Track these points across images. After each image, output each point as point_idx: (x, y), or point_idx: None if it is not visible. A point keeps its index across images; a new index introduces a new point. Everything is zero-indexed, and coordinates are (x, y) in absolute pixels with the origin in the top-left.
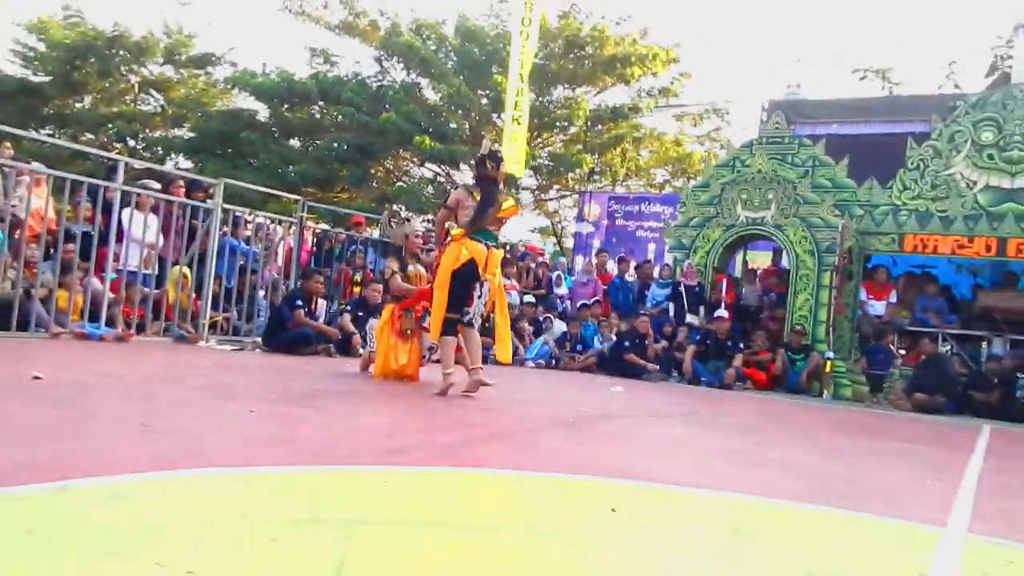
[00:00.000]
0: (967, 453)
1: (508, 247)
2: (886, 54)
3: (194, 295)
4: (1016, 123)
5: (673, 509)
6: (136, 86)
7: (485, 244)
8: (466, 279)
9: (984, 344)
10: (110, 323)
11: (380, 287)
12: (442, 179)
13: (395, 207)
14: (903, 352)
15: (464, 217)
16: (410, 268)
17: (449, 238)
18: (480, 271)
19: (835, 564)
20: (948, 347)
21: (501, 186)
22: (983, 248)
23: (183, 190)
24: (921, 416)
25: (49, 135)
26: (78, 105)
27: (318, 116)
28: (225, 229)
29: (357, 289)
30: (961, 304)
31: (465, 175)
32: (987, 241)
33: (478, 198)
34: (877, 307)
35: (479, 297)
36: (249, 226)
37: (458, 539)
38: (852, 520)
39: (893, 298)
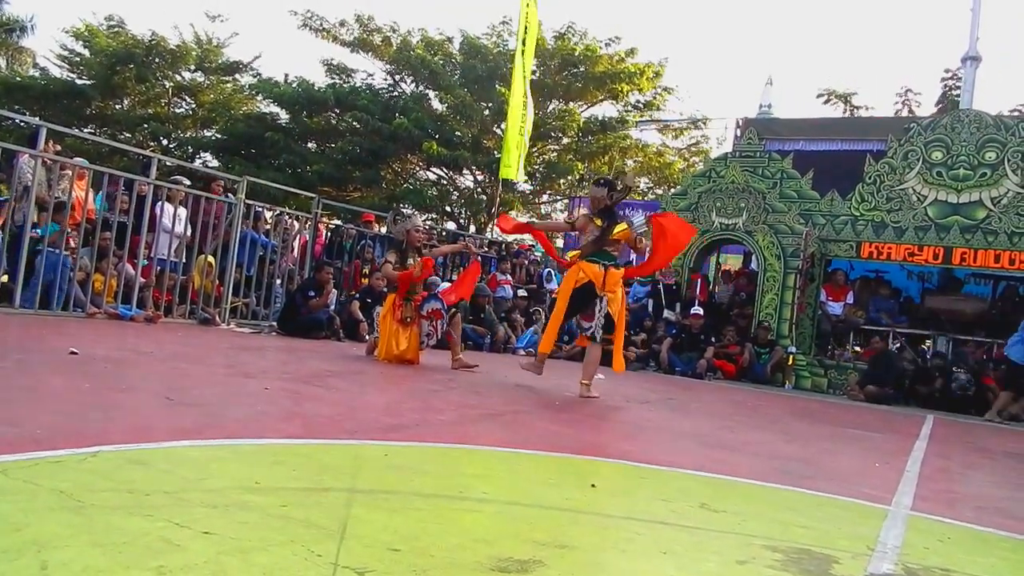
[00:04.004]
0: (912, 439)
1: (503, 246)
2: (848, 80)
3: (217, 282)
4: (963, 144)
5: (648, 485)
6: (170, 90)
7: (602, 264)
8: (584, 297)
9: (929, 342)
10: (140, 305)
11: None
12: (445, 181)
13: (400, 206)
14: (858, 348)
15: (584, 240)
16: (410, 261)
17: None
18: (598, 288)
19: (793, 537)
20: (898, 344)
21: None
22: (931, 256)
23: (222, 188)
24: (872, 406)
25: (91, 133)
26: (117, 107)
27: (334, 122)
28: (247, 222)
29: (365, 280)
30: (910, 306)
31: (466, 179)
32: (935, 250)
33: (599, 224)
34: (835, 307)
35: (599, 311)
36: (269, 220)
37: (449, 508)
38: (808, 497)
39: (850, 299)
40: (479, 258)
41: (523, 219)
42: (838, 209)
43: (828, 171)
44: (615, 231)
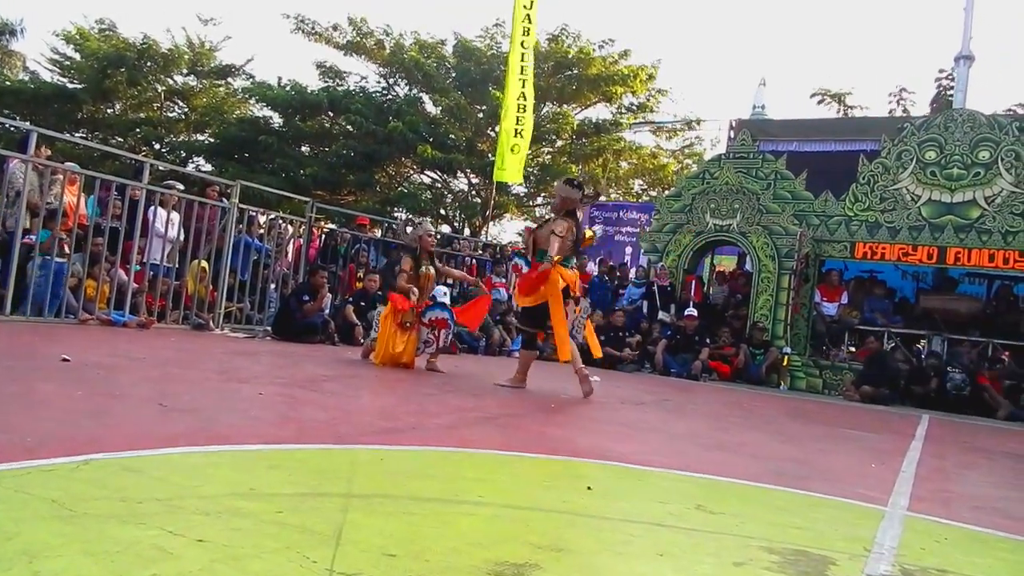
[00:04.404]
0: (908, 440)
1: (498, 248)
2: (843, 80)
3: (211, 287)
4: (956, 144)
5: (644, 487)
6: (162, 94)
7: (571, 267)
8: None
9: (924, 342)
10: (134, 311)
11: (376, 277)
12: (440, 185)
13: (395, 210)
14: (853, 349)
15: (563, 245)
16: (423, 269)
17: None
18: (573, 291)
19: (789, 537)
20: (893, 344)
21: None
22: (925, 256)
23: (218, 193)
24: (868, 406)
25: (82, 138)
26: (109, 111)
27: (328, 125)
28: (240, 227)
29: (359, 284)
30: (905, 306)
31: (460, 182)
32: (929, 250)
33: (574, 230)
34: (830, 308)
35: (581, 313)
36: (263, 224)
37: (445, 512)
38: (804, 498)
39: (844, 299)
40: (489, 293)
41: (520, 224)
42: (832, 209)
43: (822, 172)
44: (587, 237)
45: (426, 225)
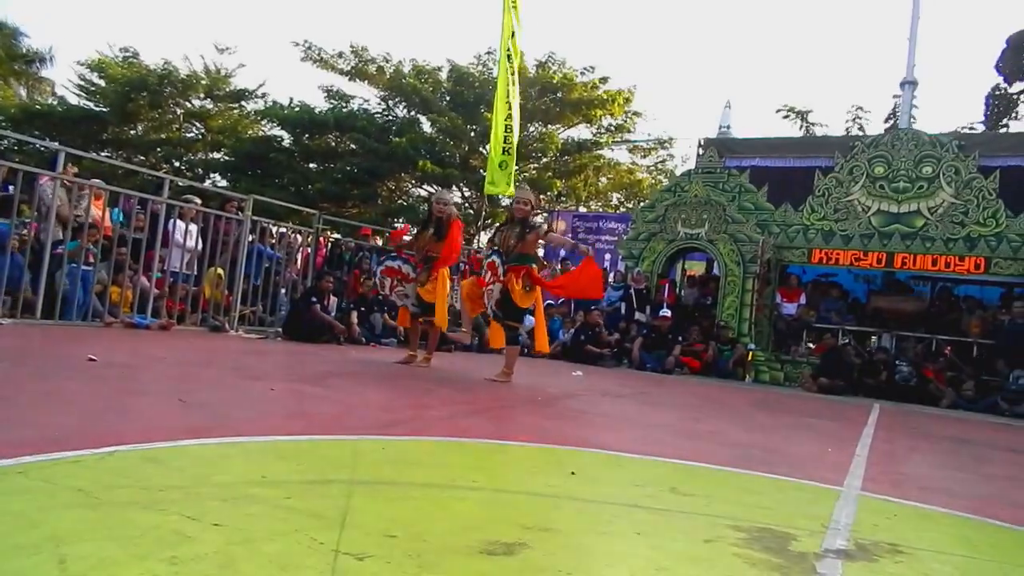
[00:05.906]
0: (861, 427)
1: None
2: (805, 98)
3: (226, 292)
4: (902, 160)
5: (622, 472)
6: (181, 116)
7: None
8: None
9: (875, 338)
10: (155, 314)
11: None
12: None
13: (396, 222)
14: (811, 345)
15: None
16: (429, 231)
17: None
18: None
19: (754, 516)
20: (846, 341)
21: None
22: (875, 261)
23: (236, 207)
24: (824, 397)
25: (107, 156)
26: (132, 132)
27: (334, 144)
28: (253, 237)
29: (361, 290)
30: (857, 306)
31: (455, 195)
32: (878, 255)
33: None
34: (790, 308)
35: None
36: (274, 234)
37: (442, 496)
38: (768, 481)
39: (803, 300)
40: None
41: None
42: (791, 219)
43: (782, 185)
44: None
45: (439, 194)
